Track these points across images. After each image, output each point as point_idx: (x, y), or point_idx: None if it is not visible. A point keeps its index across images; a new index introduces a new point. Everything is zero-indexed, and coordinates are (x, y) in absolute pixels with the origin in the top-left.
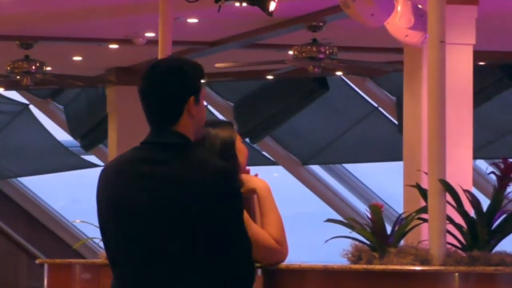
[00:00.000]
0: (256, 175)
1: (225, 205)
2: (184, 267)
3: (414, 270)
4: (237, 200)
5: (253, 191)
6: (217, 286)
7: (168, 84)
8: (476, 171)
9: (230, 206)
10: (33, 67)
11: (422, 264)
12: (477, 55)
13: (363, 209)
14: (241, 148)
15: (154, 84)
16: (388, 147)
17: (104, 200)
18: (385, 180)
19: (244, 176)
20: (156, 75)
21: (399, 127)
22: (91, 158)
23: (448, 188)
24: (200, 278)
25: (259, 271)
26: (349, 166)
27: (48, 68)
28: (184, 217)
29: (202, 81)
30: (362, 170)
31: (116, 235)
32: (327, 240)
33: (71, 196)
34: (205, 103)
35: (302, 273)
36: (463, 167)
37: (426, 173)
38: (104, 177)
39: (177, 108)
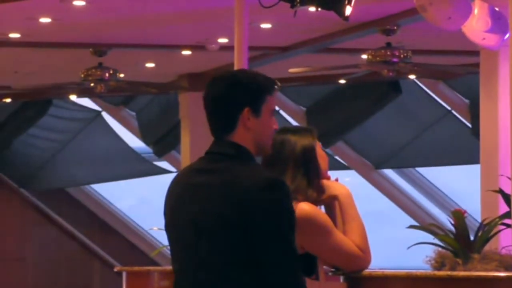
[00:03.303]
0: (337, 179)
1: (269, 218)
2: (227, 280)
3: (499, 276)
4: (282, 214)
5: (334, 197)
6: None
7: (221, 93)
8: None
9: (274, 219)
10: (107, 74)
11: (506, 270)
12: None
13: (437, 213)
14: (321, 154)
15: (210, 93)
16: (461, 150)
17: (166, 208)
18: (458, 184)
19: (325, 182)
20: (213, 84)
21: (473, 130)
22: (163, 164)
23: None
24: None
25: (341, 278)
26: (422, 170)
27: (121, 75)
28: (226, 229)
29: (269, 94)
30: (435, 174)
31: (172, 243)
32: (410, 247)
33: (140, 201)
34: (276, 107)
35: (385, 280)
36: None
37: (510, 178)
38: (169, 186)
39: (230, 118)
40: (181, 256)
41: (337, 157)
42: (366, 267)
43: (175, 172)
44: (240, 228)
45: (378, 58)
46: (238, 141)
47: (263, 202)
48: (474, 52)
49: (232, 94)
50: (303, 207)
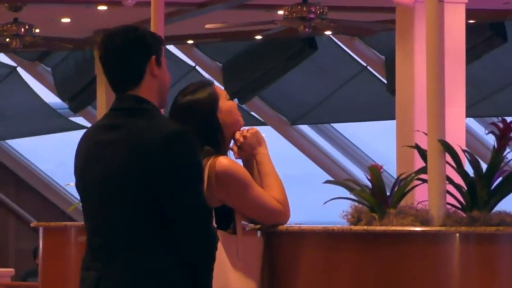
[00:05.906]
0: (255, 131)
1: (176, 171)
2: (137, 236)
3: (415, 230)
4: (188, 166)
5: (252, 152)
6: (172, 256)
7: (126, 46)
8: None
9: (180, 172)
10: (22, 30)
11: (422, 224)
12: (468, 13)
13: (353, 168)
14: (228, 106)
15: (111, 49)
16: (376, 106)
17: (76, 167)
18: (373, 140)
19: (238, 136)
20: (113, 40)
21: (388, 86)
22: (79, 120)
23: (448, 148)
24: (155, 247)
25: (258, 233)
26: (338, 126)
27: (37, 31)
28: (133, 184)
29: (163, 46)
30: (350, 130)
31: (82, 202)
32: (326, 202)
33: (58, 158)
34: (193, 63)
35: (301, 235)
36: (457, 126)
37: (426, 134)
38: (78, 145)
39: (138, 70)
40: (91, 215)
41: (253, 113)
42: (286, 222)
43: None
44: (147, 184)
45: (294, 14)
46: (144, 93)
47: (168, 155)
48: (390, 8)
49: (142, 43)
50: (222, 161)
